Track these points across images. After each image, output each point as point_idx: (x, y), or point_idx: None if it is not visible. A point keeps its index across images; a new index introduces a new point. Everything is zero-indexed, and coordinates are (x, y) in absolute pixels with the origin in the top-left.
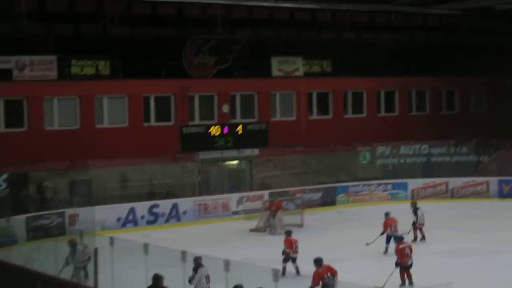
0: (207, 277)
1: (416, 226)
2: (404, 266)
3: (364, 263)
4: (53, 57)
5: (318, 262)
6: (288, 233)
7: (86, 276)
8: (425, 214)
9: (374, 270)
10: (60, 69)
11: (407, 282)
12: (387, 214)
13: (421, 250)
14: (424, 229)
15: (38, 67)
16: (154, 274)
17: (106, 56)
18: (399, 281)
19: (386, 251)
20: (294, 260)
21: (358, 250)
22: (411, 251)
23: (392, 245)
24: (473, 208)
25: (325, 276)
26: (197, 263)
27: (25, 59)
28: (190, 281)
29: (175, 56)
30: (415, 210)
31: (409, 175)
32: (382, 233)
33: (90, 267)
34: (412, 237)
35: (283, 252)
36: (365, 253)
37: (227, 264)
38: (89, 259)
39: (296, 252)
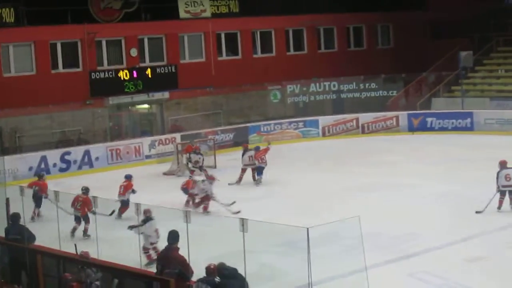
0: (157, 231)
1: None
2: None
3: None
4: None
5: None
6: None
7: None
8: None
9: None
10: None
11: None
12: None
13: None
14: (333, 163)
15: None
16: None
17: (9, 4)
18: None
19: None
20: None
21: (271, 188)
22: None
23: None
24: (383, 143)
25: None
26: (147, 216)
27: None
28: (130, 228)
29: (81, 1)
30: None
31: (320, 112)
32: None
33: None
34: None
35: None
36: (276, 192)
37: (138, 208)
38: None
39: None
